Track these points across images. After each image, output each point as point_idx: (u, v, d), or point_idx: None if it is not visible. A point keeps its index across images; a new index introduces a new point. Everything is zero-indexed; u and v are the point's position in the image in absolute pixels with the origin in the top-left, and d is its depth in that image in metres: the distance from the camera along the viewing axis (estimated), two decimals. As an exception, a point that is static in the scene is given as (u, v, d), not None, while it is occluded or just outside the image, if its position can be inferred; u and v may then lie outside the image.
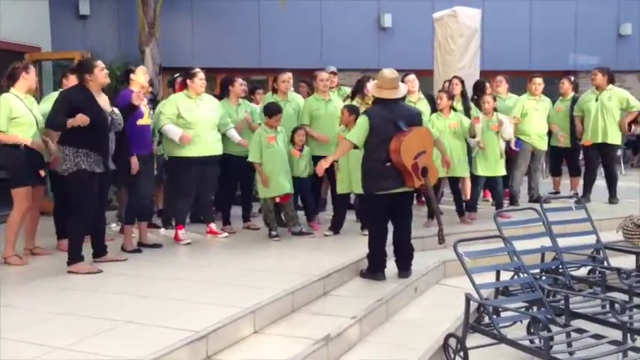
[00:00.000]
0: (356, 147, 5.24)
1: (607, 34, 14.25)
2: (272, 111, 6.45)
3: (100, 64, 5.27)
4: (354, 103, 6.83)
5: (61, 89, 5.94)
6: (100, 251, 5.47)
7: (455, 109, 7.16)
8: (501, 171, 7.24)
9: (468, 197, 7.45)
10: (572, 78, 8.87)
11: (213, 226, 6.63)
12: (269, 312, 4.22)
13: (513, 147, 7.67)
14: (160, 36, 9.59)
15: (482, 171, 7.12)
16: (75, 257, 5.16)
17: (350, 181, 6.28)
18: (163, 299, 4.38)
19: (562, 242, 5.19)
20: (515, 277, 4.59)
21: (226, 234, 6.60)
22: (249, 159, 6.37)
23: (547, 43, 13.45)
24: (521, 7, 13.47)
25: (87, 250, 5.36)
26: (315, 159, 6.40)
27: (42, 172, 5.59)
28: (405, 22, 12.29)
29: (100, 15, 10.27)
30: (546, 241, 5.12)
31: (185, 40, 10.82)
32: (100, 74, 5.22)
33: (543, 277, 4.73)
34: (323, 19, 11.99)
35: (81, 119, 5.00)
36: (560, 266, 4.90)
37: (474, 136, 6.96)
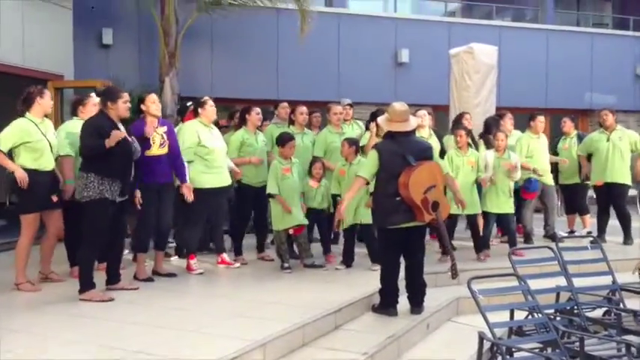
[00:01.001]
0: (367, 183, 5.27)
1: (624, 74, 14.27)
2: (284, 139, 6.50)
3: (125, 96, 5.31)
4: (367, 136, 6.88)
5: (75, 117, 6.03)
6: (113, 279, 5.48)
7: (470, 146, 7.17)
8: (510, 209, 7.20)
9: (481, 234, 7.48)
10: (574, 116, 8.96)
11: (225, 256, 6.63)
12: (279, 345, 4.18)
13: (526, 189, 7.67)
14: (180, 66, 9.74)
15: (491, 207, 7.10)
16: (87, 285, 5.16)
17: (353, 214, 6.31)
18: (174, 329, 4.37)
19: (577, 282, 5.11)
20: (530, 316, 4.52)
21: (238, 264, 6.59)
22: (268, 191, 6.38)
23: (563, 82, 13.49)
24: (538, 45, 13.55)
25: (100, 277, 5.37)
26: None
27: (54, 198, 5.60)
28: (422, 57, 12.39)
29: (122, 44, 10.46)
30: (561, 281, 5.06)
31: (204, 71, 10.97)
32: (123, 106, 5.27)
33: (558, 318, 4.65)
34: (341, 52, 12.12)
35: (117, 135, 5.05)
36: (576, 307, 4.82)
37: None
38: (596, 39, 14.23)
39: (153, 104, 5.86)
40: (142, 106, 5.88)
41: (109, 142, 5.04)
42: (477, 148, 7.52)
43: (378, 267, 6.15)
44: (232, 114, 7.71)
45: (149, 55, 10.16)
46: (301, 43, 10.10)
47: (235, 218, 7.12)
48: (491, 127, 7.59)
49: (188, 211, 6.40)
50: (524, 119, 8.49)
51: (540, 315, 4.31)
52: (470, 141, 7.35)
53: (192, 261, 6.34)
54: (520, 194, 7.66)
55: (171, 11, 9.56)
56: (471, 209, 6.83)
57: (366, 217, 6.32)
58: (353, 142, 6.56)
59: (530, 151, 7.89)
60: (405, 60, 12.46)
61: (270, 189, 6.36)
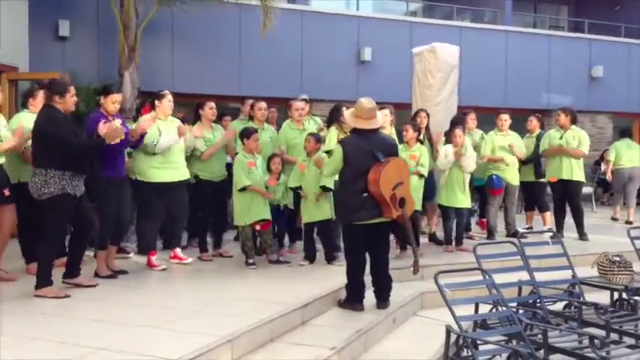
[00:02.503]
0: None
1: (579, 76, 14.67)
2: (248, 132, 6.45)
3: (72, 90, 5.16)
4: (333, 132, 6.86)
5: (26, 110, 5.87)
6: (73, 273, 5.30)
7: (422, 142, 7.27)
8: (466, 204, 7.36)
9: (433, 230, 7.74)
10: (539, 116, 9.15)
11: (178, 251, 6.50)
12: (247, 341, 4.12)
13: (491, 186, 7.86)
14: (140, 60, 9.55)
15: (446, 202, 7.26)
16: (44, 281, 5.01)
17: (313, 210, 6.32)
18: (138, 326, 4.27)
19: (538, 276, 5.22)
20: (494, 310, 4.59)
21: (191, 259, 6.47)
22: (241, 184, 6.26)
23: (521, 82, 13.78)
24: (497, 45, 13.81)
25: (56, 273, 5.20)
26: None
27: (6, 192, 5.41)
28: (384, 55, 12.47)
29: (79, 37, 10.20)
30: (523, 275, 5.15)
31: (165, 66, 10.79)
32: (71, 100, 5.12)
33: (521, 311, 4.73)
34: (304, 49, 12.10)
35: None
36: (538, 300, 4.91)
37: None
38: (553, 41, 14.58)
39: (113, 104, 5.70)
40: (102, 99, 5.71)
41: (109, 140, 5.08)
42: (431, 145, 7.61)
43: (338, 263, 6.19)
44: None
45: (108, 49, 9.93)
46: (264, 39, 10.04)
47: (196, 214, 7.00)
48: (455, 125, 7.68)
49: (146, 207, 6.28)
50: (484, 118, 8.64)
51: (504, 308, 4.37)
52: (422, 137, 7.43)
53: (153, 257, 6.22)
54: (487, 192, 7.88)
55: (130, 4, 9.34)
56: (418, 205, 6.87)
57: (325, 214, 6.32)
58: (319, 139, 6.55)
59: (494, 146, 8.10)
60: (368, 58, 12.52)
61: (243, 182, 6.26)
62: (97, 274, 5.69)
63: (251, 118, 7.20)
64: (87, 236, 5.46)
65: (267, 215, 6.37)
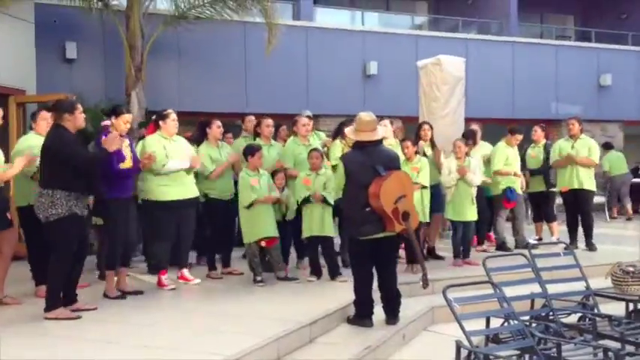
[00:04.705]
0: None
1: (588, 85, 14.57)
2: (252, 149, 6.43)
3: (80, 106, 5.18)
4: (337, 145, 6.84)
5: (32, 131, 5.88)
6: (72, 298, 5.19)
7: (426, 155, 7.24)
8: (473, 216, 7.28)
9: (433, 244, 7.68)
10: (544, 125, 9.09)
11: (185, 271, 6.44)
12: (254, 360, 4.07)
13: (508, 199, 7.84)
14: (147, 80, 9.60)
15: (452, 215, 7.19)
16: (54, 303, 4.96)
17: (316, 225, 6.28)
18: (144, 347, 4.22)
19: (551, 288, 5.12)
20: (506, 323, 4.49)
21: (198, 280, 6.42)
22: (246, 202, 6.24)
23: (530, 93, 13.70)
24: (504, 56, 13.75)
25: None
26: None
27: (9, 215, 5.39)
28: (390, 69, 12.45)
29: (86, 58, 10.26)
30: (535, 288, 5.05)
31: (171, 85, 10.83)
32: (80, 117, 5.14)
33: (534, 324, 4.64)
34: (309, 65, 12.11)
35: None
36: (551, 313, 4.81)
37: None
38: (560, 51, 14.51)
39: (125, 124, 5.72)
40: (113, 119, 5.71)
41: (111, 147, 5.03)
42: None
43: (343, 279, 6.13)
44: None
45: (115, 69, 9.98)
46: (269, 57, 10.06)
47: (204, 233, 6.96)
48: (467, 138, 7.70)
49: (155, 226, 6.25)
50: (492, 129, 8.59)
51: (516, 322, 4.28)
52: (423, 150, 7.43)
53: (163, 276, 6.18)
54: (500, 203, 7.86)
55: (136, 25, 9.41)
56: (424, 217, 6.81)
57: (328, 230, 6.29)
58: (322, 154, 6.57)
59: (508, 160, 8.05)
60: (374, 72, 12.50)
61: (247, 200, 6.24)
62: (105, 295, 5.66)
63: (257, 134, 7.18)
64: (84, 259, 5.35)
65: (274, 232, 6.32)
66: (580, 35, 17.36)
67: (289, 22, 11.72)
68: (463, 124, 8.79)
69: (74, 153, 4.99)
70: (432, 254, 7.60)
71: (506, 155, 8.08)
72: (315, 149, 6.62)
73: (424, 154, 7.23)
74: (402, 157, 7.01)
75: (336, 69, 12.21)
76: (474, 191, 7.28)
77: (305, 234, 6.42)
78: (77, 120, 5.11)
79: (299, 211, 6.53)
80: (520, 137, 8.26)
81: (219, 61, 11.29)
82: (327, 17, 14.73)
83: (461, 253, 7.24)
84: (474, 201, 7.27)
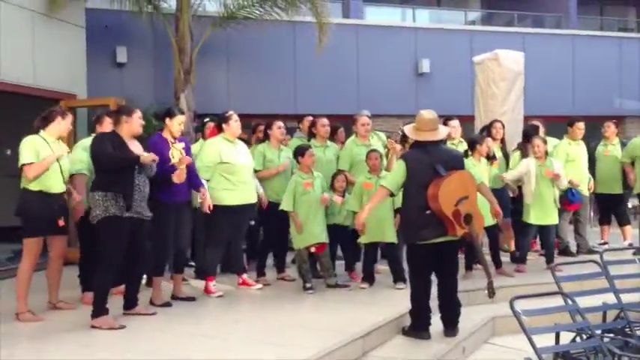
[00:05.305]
0: (392, 194, 4.93)
1: (654, 78, 13.81)
2: (303, 149, 6.19)
3: (139, 112, 5.15)
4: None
5: (94, 134, 5.82)
6: (131, 303, 5.19)
7: (495, 156, 6.92)
8: (555, 220, 6.82)
9: (512, 248, 7.22)
10: (615, 121, 8.47)
11: (245, 276, 6.30)
12: (303, 375, 3.84)
13: (570, 201, 7.30)
14: (196, 83, 9.54)
15: (535, 219, 6.69)
16: (99, 310, 4.87)
17: (375, 230, 5.91)
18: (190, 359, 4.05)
19: (624, 298, 4.71)
20: (577, 338, 4.12)
21: (260, 285, 6.27)
22: (282, 207, 6.08)
23: (591, 88, 13.06)
24: (564, 50, 13.17)
25: (113, 302, 5.08)
26: None
27: (61, 222, 5.33)
28: (443, 67, 12.09)
29: (136, 62, 10.31)
30: (605, 298, 4.66)
31: (220, 87, 10.77)
32: (138, 121, 5.09)
33: (605, 339, 4.24)
34: (360, 64, 11.86)
35: (151, 156, 4.98)
36: (627, 326, 4.40)
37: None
38: (624, 43, 13.82)
39: (179, 125, 5.61)
40: (167, 120, 5.59)
41: (145, 159, 4.92)
42: (507, 160, 7.18)
43: (402, 285, 5.84)
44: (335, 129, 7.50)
45: (164, 73, 9.99)
46: (319, 56, 9.85)
47: (256, 237, 6.83)
48: (530, 135, 7.17)
49: (210, 230, 6.09)
50: (552, 127, 8.12)
51: (590, 337, 3.91)
52: (503, 151, 7.13)
53: (210, 283, 6.02)
54: (562, 204, 7.21)
55: (185, 28, 9.38)
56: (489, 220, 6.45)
57: (389, 235, 5.98)
58: (381, 155, 6.28)
59: (570, 157, 7.52)
60: (426, 70, 12.17)
61: (285, 205, 6.04)
62: (152, 303, 5.53)
63: (312, 135, 6.95)
64: (142, 264, 5.27)
65: (323, 238, 6.09)
66: (643, 27, 16.54)
67: (339, 20, 11.49)
68: (522, 121, 8.37)
69: (100, 151, 4.93)
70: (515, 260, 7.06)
71: (566, 152, 7.57)
72: (373, 150, 6.33)
73: (494, 156, 6.85)
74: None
75: (388, 67, 11.93)
76: (557, 192, 6.82)
77: (363, 240, 6.10)
78: (134, 124, 5.05)
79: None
80: (582, 125, 7.67)
81: (268, 62, 11.18)
82: (377, 14, 14.43)
83: (525, 258, 6.87)
84: (557, 203, 6.82)
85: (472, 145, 6.69)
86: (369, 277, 6.18)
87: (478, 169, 6.44)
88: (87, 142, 5.78)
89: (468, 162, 6.44)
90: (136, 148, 5.06)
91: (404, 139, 6.91)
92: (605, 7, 17.65)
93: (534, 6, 15.39)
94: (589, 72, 13.10)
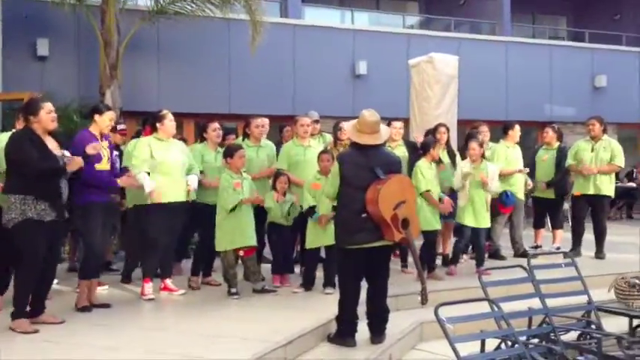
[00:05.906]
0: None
1: (582, 86, 14.20)
2: (232, 149, 5.95)
3: (47, 106, 4.81)
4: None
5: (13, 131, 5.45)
6: (38, 311, 4.88)
7: (442, 161, 6.89)
8: (487, 223, 6.81)
9: (445, 250, 7.20)
10: (556, 127, 8.53)
11: (168, 282, 6.02)
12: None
13: (504, 203, 7.31)
14: (123, 79, 9.13)
15: (468, 220, 6.65)
16: (20, 312, 4.68)
17: (321, 234, 5.77)
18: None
19: (550, 302, 4.69)
20: (503, 345, 4.04)
21: (183, 291, 5.99)
22: (231, 205, 5.72)
23: (523, 93, 13.30)
24: (498, 56, 13.37)
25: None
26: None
27: None
28: (380, 69, 12.04)
29: (59, 56, 9.75)
30: (533, 301, 4.62)
31: (150, 84, 10.34)
32: (46, 117, 4.77)
33: (530, 346, 4.18)
34: (297, 64, 11.67)
35: (78, 162, 4.82)
36: (552, 333, 4.36)
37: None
38: (554, 51, 14.15)
39: (110, 121, 5.44)
40: (97, 117, 5.36)
41: (71, 167, 4.74)
42: (453, 161, 7.14)
43: (331, 290, 5.69)
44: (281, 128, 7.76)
45: (89, 67, 9.51)
46: (253, 55, 9.61)
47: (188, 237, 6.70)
48: (470, 139, 7.13)
49: (145, 229, 5.81)
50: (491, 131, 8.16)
51: (516, 344, 3.83)
52: (449, 154, 7.10)
53: (147, 285, 5.80)
54: (496, 208, 7.25)
55: (112, 20, 8.96)
56: (429, 225, 6.39)
57: (330, 238, 5.82)
58: (333, 156, 6.11)
59: (508, 160, 7.56)
60: (363, 72, 12.08)
61: (233, 200, 5.72)
62: (76, 306, 5.29)
63: (246, 135, 6.74)
64: (53, 269, 5.03)
65: (253, 242, 5.86)
66: (573, 37, 17.02)
67: (276, 20, 11.27)
68: (456, 124, 8.37)
69: (26, 159, 4.66)
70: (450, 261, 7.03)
71: (505, 155, 7.60)
72: (325, 151, 6.15)
73: (440, 160, 6.79)
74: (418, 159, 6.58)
75: (325, 68, 11.79)
76: (488, 196, 6.80)
77: (311, 244, 5.92)
78: (43, 121, 4.77)
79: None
80: (518, 128, 7.73)
81: (201, 59, 10.82)
82: (317, 16, 14.31)
83: (458, 260, 6.87)
84: (489, 206, 6.79)
85: (425, 148, 6.61)
86: (308, 283, 6.00)
87: (431, 172, 6.39)
88: (3, 137, 5.43)
89: (422, 164, 6.39)
90: (51, 144, 4.82)
91: (337, 139, 6.81)
92: (537, 15, 18.12)
93: (471, 13, 15.61)
94: (521, 78, 13.33)
